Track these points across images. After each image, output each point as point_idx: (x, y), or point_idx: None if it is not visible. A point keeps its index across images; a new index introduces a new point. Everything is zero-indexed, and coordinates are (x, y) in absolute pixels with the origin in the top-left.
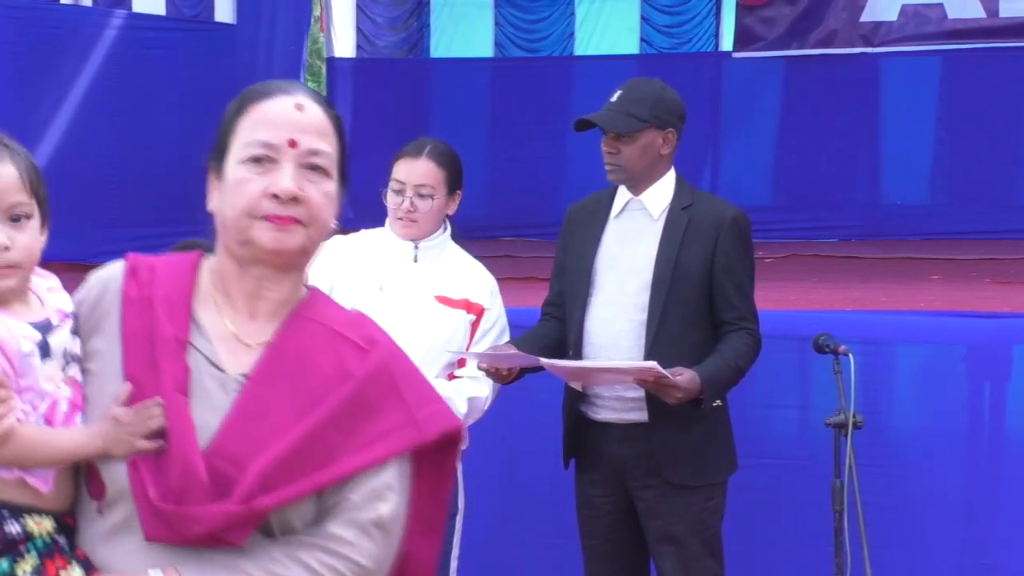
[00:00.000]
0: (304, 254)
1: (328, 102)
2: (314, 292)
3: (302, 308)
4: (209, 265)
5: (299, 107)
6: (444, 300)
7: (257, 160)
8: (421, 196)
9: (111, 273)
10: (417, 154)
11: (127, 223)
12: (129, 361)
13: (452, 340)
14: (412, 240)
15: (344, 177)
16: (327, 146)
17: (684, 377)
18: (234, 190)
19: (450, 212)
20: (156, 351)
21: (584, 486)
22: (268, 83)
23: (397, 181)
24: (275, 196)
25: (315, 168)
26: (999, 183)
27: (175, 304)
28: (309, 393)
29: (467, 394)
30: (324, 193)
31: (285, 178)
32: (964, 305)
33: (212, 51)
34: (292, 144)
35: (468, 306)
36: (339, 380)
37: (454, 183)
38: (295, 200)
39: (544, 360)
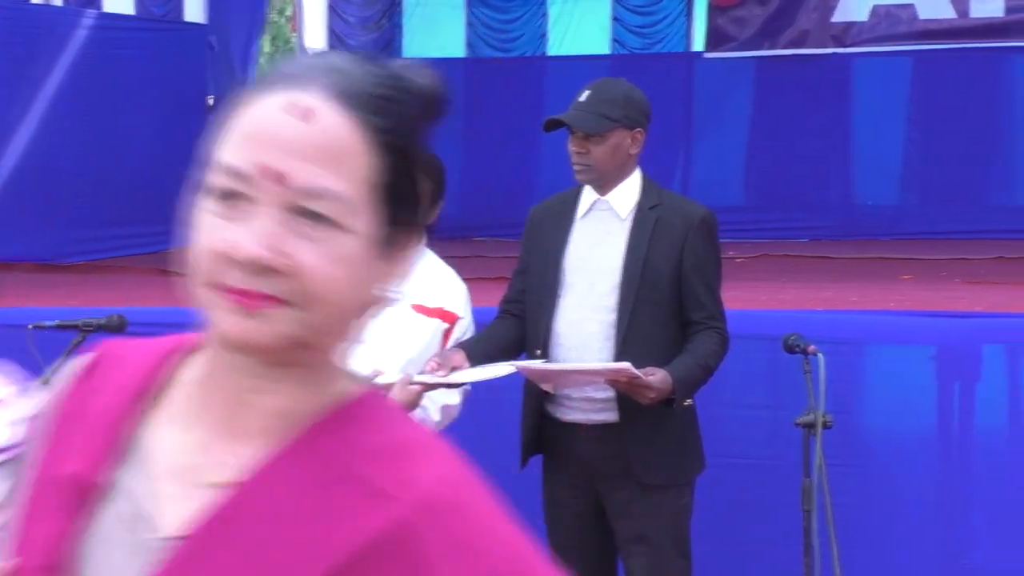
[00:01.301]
0: (305, 348)
1: (391, 92)
2: (364, 399)
3: (323, 424)
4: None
5: (303, 114)
6: (420, 309)
7: (225, 195)
8: None
9: (70, 371)
10: None
11: (96, 224)
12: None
13: (428, 349)
14: None
15: (400, 205)
16: (338, 180)
17: (656, 377)
18: (194, 235)
19: (429, 223)
20: (39, 499)
21: (552, 486)
22: (289, 64)
23: None
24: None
25: (316, 216)
26: (970, 183)
27: (108, 418)
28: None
29: (440, 402)
30: (331, 257)
31: (250, 232)
32: (935, 305)
33: (182, 51)
34: (276, 178)
35: (443, 315)
36: (321, 554)
37: (437, 194)
38: (269, 268)
39: (517, 364)
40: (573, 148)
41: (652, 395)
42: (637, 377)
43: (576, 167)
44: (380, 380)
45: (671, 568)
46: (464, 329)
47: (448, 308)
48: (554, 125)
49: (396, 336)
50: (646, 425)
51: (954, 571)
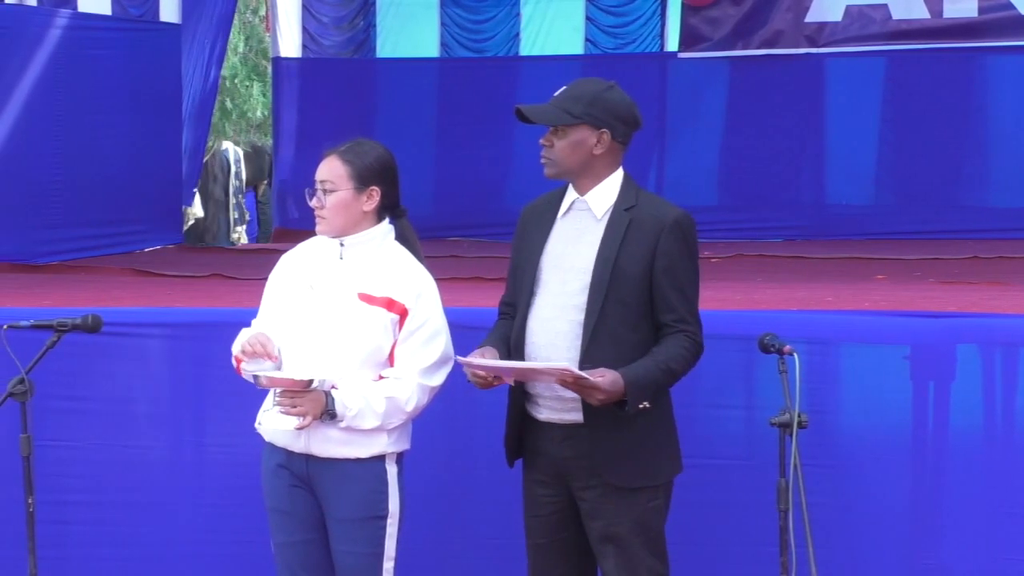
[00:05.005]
0: None
1: None
2: None
3: None
4: None
5: None
6: (366, 298)
7: None
8: (325, 191)
9: None
10: (328, 153)
11: (71, 223)
12: None
13: (373, 338)
14: (330, 236)
15: None
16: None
17: (606, 379)
18: None
19: (366, 209)
20: None
21: (530, 485)
22: None
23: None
24: None
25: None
26: (944, 183)
27: None
28: None
29: (386, 393)
30: None
31: None
32: (909, 305)
33: (157, 51)
34: None
35: (390, 304)
36: None
37: (364, 179)
38: None
39: (459, 359)
40: (541, 141)
41: (601, 396)
42: (582, 378)
43: (542, 160)
44: (320, 378)
45: (643, 568)
46: (419, 323)
47: (396, 299)
48: (518, 115)
49: (340, 322)
50: (611, 426)
51: (928, 570)
